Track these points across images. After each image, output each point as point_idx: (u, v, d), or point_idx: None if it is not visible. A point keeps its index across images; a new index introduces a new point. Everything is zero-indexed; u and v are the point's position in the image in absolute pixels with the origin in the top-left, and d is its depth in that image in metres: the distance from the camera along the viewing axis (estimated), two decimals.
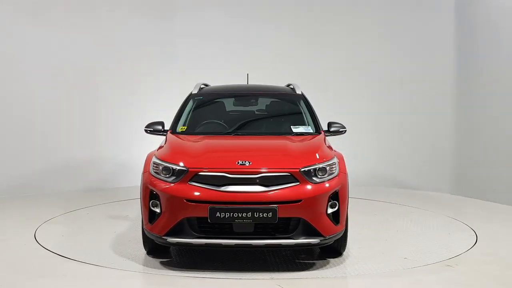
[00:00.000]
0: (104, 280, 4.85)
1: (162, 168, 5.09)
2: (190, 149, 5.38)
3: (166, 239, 4.94)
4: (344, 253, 5.69)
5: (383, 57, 10.12)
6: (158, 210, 5.01)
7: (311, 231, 4.92)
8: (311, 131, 6.00)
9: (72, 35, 9.28)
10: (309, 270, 5.13)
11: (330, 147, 5.72)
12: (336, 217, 5.09)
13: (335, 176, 5.16)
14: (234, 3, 10.24)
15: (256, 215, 4.80)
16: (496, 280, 4.97)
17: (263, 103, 6.69)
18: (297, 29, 10.25)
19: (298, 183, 4.95)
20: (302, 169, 4.99)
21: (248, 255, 5.50)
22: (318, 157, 5.22)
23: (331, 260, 5.44)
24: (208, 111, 6.58)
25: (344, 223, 5.23)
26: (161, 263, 5.27)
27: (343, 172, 5.31)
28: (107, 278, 4.90)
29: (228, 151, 5.43)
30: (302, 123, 6.16)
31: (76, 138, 9.37)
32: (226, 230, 4.89)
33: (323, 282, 4.86)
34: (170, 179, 5.01)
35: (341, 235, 5.23)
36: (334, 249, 5.45)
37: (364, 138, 10.01)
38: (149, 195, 5.09)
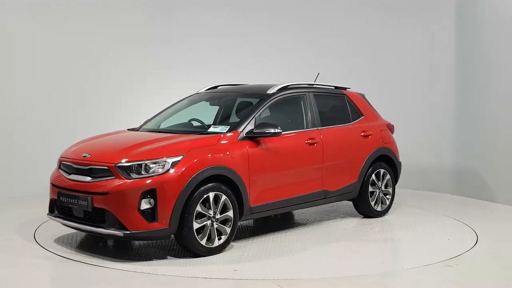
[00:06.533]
0: (104, 281, 4.85)
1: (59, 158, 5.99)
2: (82, 143, 6.14)
3: (48, 215, 5.88)
4: (343, 253, 5.69)
5: (382, 58, 10.12)
6: None
7: (117, 224, 5.18)
8: (224, 131, 5.92)
9: (70, 34, 9.24)
10: (309, 270, 5.13)
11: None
12: (152, 214, 5.16)
13: (158, 174, 5.20)
14: (239, 1, 10.18)
15: (79, 202, 5.39)
16: (496, 280, 4.97)
17: (239, 103, 6.74)
18: (300, 27, 10.22)
19: (113, 177, 5.24)
20: (118, 165, 5.25)
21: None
22: (146, 154, 5.34)
23: (330, 260, 5.44)
24: (189, 110, 6.90)
25: (170, 221, 5.20)
26: (165, 263, 5.27)
27: (179, 172, 5.25)
28: (107, 278, 4.90)
29: (96, 144, 5.95)
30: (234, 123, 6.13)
31: (77, 138, 9.30)
32: (71, 213, 5.53)
33: (323, 282, 4.86)
34: (57, 166, 5.94)
35: (163, 233, 5.25)
36: (185, 247, 5.44)
37: None
38: None
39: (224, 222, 5.61)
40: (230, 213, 5.62)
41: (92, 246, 5.91)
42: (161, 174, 5.23)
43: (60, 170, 5.82)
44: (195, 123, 6.70)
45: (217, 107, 6.94)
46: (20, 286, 4.74)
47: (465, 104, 9.36)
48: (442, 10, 9.83)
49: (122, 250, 5.77)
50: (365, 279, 4.94)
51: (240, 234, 6.42)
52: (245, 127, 5.95)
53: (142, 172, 5.22)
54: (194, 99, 7.09)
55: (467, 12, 9.37)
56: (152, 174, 5.22)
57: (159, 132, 6.34)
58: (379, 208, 7.37)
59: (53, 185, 5.79)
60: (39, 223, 6.80)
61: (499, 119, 8.56)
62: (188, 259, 5.41)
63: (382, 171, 7.38)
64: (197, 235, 5.38)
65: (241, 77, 8.66)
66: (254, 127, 5.93)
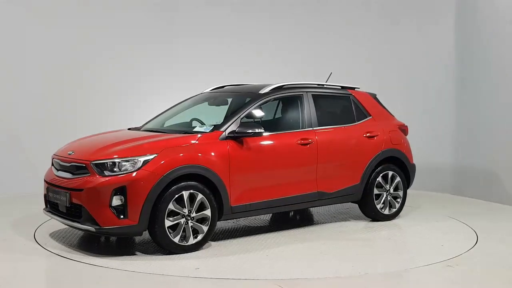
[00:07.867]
0: (104, 281, 4.85)
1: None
2: (75, 141, 6.33)
3: (43, 210, 6.13)
4: (343, 252, 5.68)
5: (382, 58, 10.12)
6: None
7: (91, 219, 5.35)
8: (207, 131, 5.95)
9: (68, 32, 9.23)
10: (309, 270, 5.13)
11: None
12: (122, 211, 5.28)
13: (129, 172, 5.32)
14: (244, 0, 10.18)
15: (61, 198, 5.61)
16: (496, 280, 4.97)
17: (233, 103, 6.68)
18: (299, 27, 10.23)
19: (89, 174, 5.42)
20: (93, 162, 5.42)
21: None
22: (120, 152, 5.48)
23: (330, 259, 5.44)
24: (192, 110, 6.96)
25: (140, 218, 5.30)
26: (165, 264, 5.27)
27: (149, 170, 5.34)
28: (107, 278, 4.90)
29: (83, 142, 6.15)
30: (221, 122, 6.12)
31: (77, 137, 9.32)
32: (57, 208, 5.75)
33: (323, 282, 4.86)
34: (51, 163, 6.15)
35: (133, 229, 5.37)
36: (159, 244, 5.51)
37: None
38: None
39: (202, 221, 5.63)
40: (207, 212, 5.64)
41: (92, 245, 5.91)
42: (132, 172, 5.33)
43: (52, 167, 6.06)
44: (195, 123, 6.69)
45: (217, 107, 6.91)
46: (20, 285, 4.73)
47: (465, 104, 9.36)
48: (442, 10, 9.83)
49: (122, 249, 5.77)
50: (365, 279, 4.94)
51: (233, 234, 6.43)
52: (229, 126, 5.94)
53: (115, 170, 5.35)
54: (196, 99, 7.09)
55: (467, 12, 9.37)
56: (124, 172, 5.33)
57: (155, 132, 6.32)
58: (386, 212, 7.12)
59: (44, 180, 6.07)
60: (39, 222, 6.80)
61: (499, 119, 8.56)
62: (157, 255, 5.45)
63: (390, 173, 7.12)
64: (171, 233, 5.44)
65: (252, 77, 8.65)
66: (237, 127, 5.93)
